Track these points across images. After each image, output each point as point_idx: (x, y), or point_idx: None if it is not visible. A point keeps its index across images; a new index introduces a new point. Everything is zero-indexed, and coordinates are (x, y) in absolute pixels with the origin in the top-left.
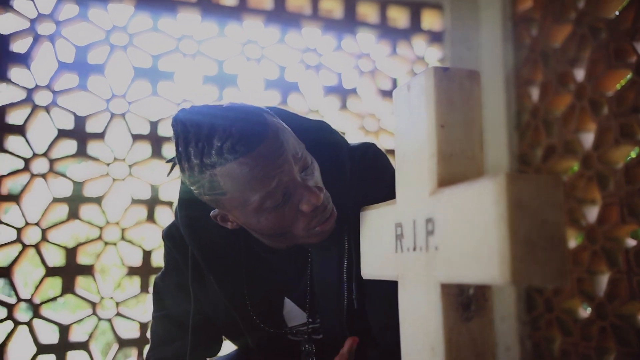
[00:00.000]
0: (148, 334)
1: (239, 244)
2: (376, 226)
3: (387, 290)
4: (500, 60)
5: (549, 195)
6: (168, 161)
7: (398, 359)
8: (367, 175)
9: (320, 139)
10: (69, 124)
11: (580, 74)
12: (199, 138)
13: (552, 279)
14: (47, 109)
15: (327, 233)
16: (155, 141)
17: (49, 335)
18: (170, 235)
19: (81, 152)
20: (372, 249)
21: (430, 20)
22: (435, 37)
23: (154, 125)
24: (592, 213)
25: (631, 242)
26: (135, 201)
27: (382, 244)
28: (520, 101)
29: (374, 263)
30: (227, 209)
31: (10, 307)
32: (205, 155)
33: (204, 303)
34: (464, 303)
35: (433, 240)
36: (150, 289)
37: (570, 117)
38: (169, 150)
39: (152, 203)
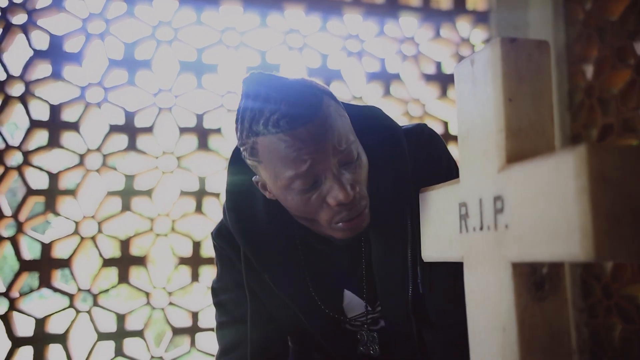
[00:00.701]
0: (200, 323)
1: (295, 240)
2: (438, 207)
3: (446, 272)
4: (551, 38)
5: (633, 167)
6: None
7: (456, 340)
8: (425, 157)
9: (374, 124)
10: (119, 120)
11: None
12: (254, 105)
13: (639, 255)
14: (99, 105)
15: (352, 232)
16: (202, 134)
17: (107, 323)
18: (221, 236)
19: (131, 146)
20: (433, 231)
21: (475, 0)
22: (481, 18)
23: (199, 117)
24: None
25: None
26: (183, 193)
27: (445, 225)
28: (573, 80)
29: (436, 245)
30: (263, 177)
31: (71, 297)
32: (254, 122)
33: (264, 300)
34: (537, 282)
35: (502, 218)
36: (200, 278)
37: (629, 93)
38: (215, 142)
39: (200, 195)
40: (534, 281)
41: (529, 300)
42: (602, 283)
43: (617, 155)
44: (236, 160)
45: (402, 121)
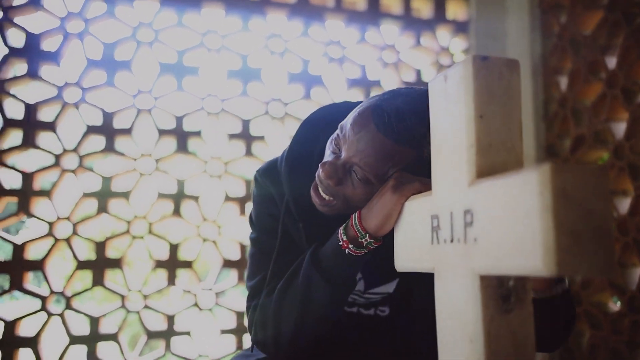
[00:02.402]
0: (175, 327)
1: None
2: (411, 218)
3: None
4: (527, 49)
5: (594, 185)
6: None
7: None
8: None
9: None
10: (97, 120)
11: (612, 62)
12: (400, 100)
13: (598, 270)
14: (76, 105)
15: (314, 201)
16: (181, 136)
17: (80, 326)
18: (269, 175)
19: (109, 148)
20: (406, 241)
21: (455, 10)
22: (460, 27)
23: (179, 120)
24: (624, 204)
25: None
26: (161, 195)
27: (417, 236)
28: (548, 91)
29: (409, 255)
30: None
31: (43, 299)
32: (383, 93)
33: (293, 245)
34: (504, 295)
35: (472, 231)
36: (177, 281)
37: (600, 106)
38: (195, 145)
39: (177, 197)
40: (501, 294)
41: (495, 312)
42: (573, 290)
43: (580, 174)
44: (312, 123)
45: None
